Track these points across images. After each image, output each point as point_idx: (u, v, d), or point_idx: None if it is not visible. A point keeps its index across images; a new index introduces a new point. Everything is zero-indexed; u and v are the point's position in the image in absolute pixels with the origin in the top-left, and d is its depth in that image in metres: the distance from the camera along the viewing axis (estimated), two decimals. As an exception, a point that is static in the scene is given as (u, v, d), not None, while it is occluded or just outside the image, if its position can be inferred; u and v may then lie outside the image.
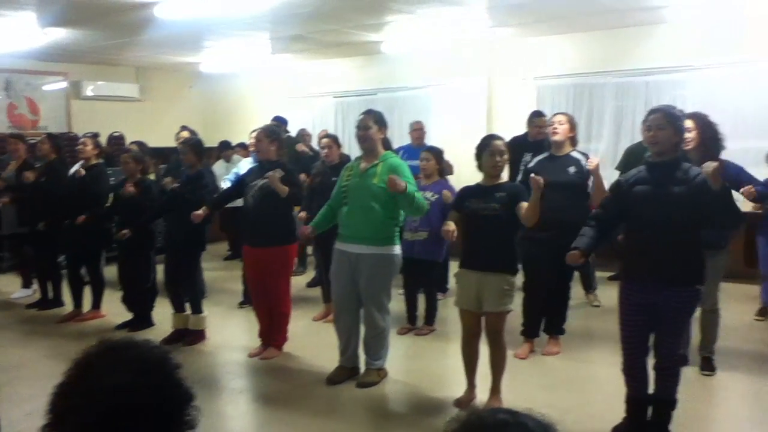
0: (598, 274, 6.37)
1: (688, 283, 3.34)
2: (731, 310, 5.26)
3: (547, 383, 4.47)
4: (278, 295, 5.00)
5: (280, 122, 7.96)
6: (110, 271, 6.26)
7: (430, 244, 5.40)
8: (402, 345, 5.20)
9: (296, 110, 9.55)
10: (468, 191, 3.99)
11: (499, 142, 3.93)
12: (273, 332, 5.06)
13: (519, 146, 5.81)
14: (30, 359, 5.07)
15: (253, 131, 5.42)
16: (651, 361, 3.48)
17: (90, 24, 6.95)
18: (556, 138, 4.74)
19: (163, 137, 8.45)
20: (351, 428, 3.90)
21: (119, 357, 1.20)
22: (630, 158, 5.52)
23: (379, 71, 9.43)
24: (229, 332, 5.81)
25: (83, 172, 6.02)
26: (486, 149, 3.91)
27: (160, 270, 5.69)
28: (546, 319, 4.98)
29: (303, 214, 5.54)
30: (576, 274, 5.61)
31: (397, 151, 5.80)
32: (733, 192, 3.66)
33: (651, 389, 3.50)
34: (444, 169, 5.88)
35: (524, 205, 3.76)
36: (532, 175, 3.80)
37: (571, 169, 4.63)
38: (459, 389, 4.07)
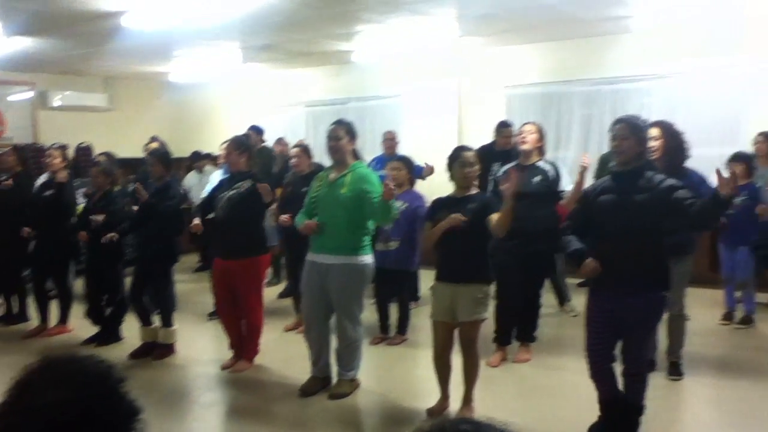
0: (568, 280, 6.43)
1: (653, 289, 3.39)
2: (696, 314, 5.35)
3: (520, 391, 4.50)
4: (250, 307, 4.96)
5: (256, 131, 7.91)
6: (76, 285, 6.14)
7: (402, 253, 5.41)
8: (374, 355, 5.18)
9: (268, 119, 9.50)
10: (440, 203, 4.01)
11: (469, 154, 3.96)
12: (244, 344, 5.01)
13: (487, 155, 5.83)
14: (-6, 376, 4.95)
15: (223, 143, 5.37)
16: (619, 368, 3.52)
17: (57, 33, 6.85)
18: (525, 147, 4.79)
19: (132, 148, 8.32)
20: (323, 440, 3.87)
21: (59, 372, 1.18)
22: (604, 166, 5.60)
23: (350, 80, 9.45)
24: (199, 345, 5.74)
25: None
26: (456, 161, 3.93)
27: (127, 282, 5.60)
28: (518, 326, 5.02)
29: (286, 217, 5.41)
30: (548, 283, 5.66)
31: (370, 162, 5.78)
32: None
33: (621, 388, 3.53)
34: (413, 179, 5.90)
35: (494, 217, 3.77)
36: (504, 175, 3.81)
37: (536, 179, 4.69)
38: (432, 398, 4.06)
